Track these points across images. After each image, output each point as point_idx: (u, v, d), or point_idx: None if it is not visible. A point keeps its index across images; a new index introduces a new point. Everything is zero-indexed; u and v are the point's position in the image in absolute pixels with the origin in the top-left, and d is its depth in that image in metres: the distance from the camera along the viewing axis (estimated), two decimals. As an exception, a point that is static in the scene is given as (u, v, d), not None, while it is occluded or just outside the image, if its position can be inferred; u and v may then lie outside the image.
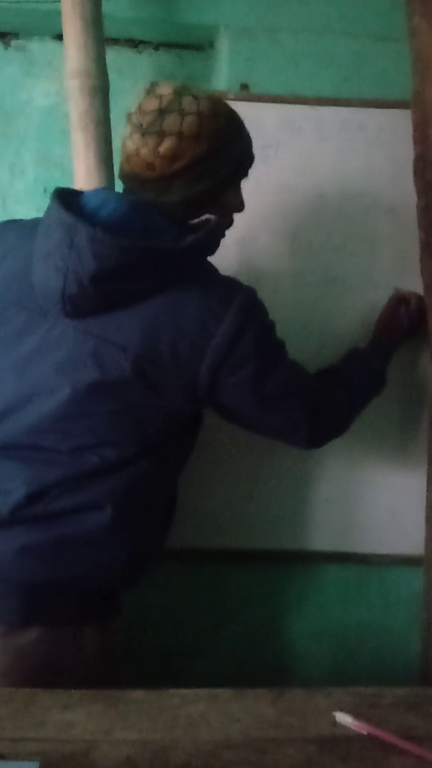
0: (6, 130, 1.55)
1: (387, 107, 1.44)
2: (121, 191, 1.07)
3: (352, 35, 1.48)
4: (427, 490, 1.43)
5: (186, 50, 1.59)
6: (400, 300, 1.37)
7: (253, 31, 1.47)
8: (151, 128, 0.98)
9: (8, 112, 1.56)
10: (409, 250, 1.38)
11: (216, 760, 0.72)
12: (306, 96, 1.44)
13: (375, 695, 0.88)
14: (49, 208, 1.00)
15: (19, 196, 1.54)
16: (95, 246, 0.92)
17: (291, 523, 1.45)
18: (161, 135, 0.97)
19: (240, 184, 1.11)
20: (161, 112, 0.98)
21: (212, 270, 1.09)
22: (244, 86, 1.47)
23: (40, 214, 1.04)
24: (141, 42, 1.58)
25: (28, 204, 1.54)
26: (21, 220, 1.14)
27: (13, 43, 1.58)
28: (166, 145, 0.97)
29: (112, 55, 1.44)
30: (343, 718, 0.80)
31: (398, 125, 1.42)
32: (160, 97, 1.00)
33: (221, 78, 1.50)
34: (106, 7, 1.37)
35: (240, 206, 1.12)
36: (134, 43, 1.58)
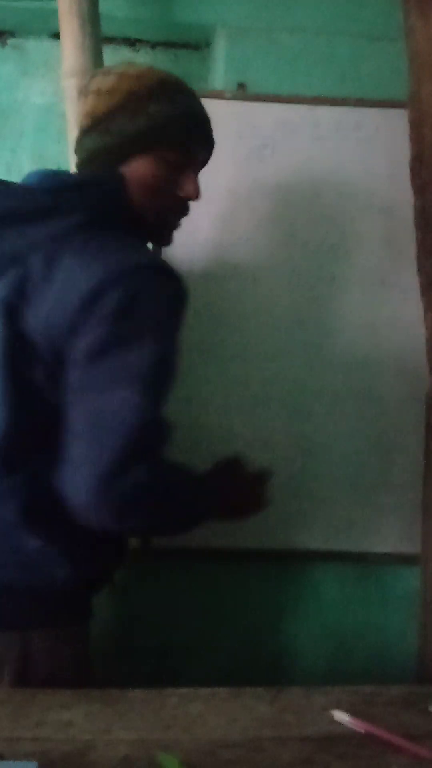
0: (2, 129, 1.55)
1: (383, 107, 1.44)
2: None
3: (348, 35, 1.48)
4: (424, 489, 1.44)
5: (183, 50, 1.59)
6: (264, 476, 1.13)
7: (250, 30, 1.47)
8: (81, 90, 1.00)
9: (4, 111, 1.56)
10: (405, 249, 1.39)
11: (214, 759, 0.72)
12: (302, 95, 1.45)
13: (372, 693, 0.88)
14: None
15: (16, 196, 1.54)
16: None
17: (288, 522, 1.45)
18: (86, 93, 0.98)
19: (173, 158, 0.98)
20: (94, 75, 1.00)
21: (126, 233, 0.94)
22: (241, 86, 1.48)
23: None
24: (138, 41, 1.58)
25: (25, 203, 1.54)
26: None
27: (10, 41, 1.58)
28: (87, 102, 0.98)
29: (109, 55, 1.44)
30: (341, 717, 0.80)
31: (394, 125, 1.42)
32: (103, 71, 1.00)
33: (218, 77, 1.51)
34: (103, 7, 1.37)
35: (150, 182, 0.97)
36: (131, 43, 1.58)
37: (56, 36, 1.45)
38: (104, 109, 0.96)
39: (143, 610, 1.47)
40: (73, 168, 1.06)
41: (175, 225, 1.05)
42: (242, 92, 1.47)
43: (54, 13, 1.35)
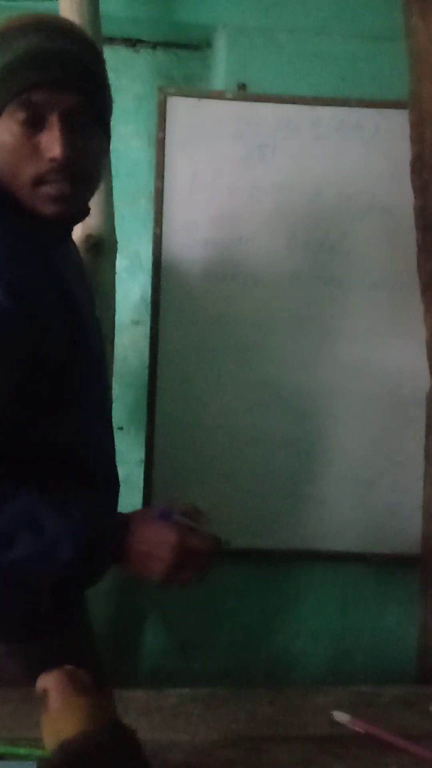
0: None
1: (384, 107, 1.44)
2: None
3: (349, 35, 1.48)
4: (424, 489, 1.44)
5: (183, 50, 1.59)
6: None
7: (251, 30, 1.47)
8: None
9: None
10: (405, 249, 1.39)
11: (214, 759, 0.72)
12: (303, 96, 1.45)
13: (372, 694, 0.88)
14: None
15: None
16: None
17: (288, 521, 1.45)
18: None
19: (15, 116, 0.80)
20: None
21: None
22: (242, 86, 1.48)
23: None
24: (138, 41, 1.57)
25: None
26: None
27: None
28: None
29: (110, 55, 1.44)
30: (341, 717, 0.80)
31: (395, 125, 1.42)
32: None
33: (219, 77, 1.51)
34: (103, 7, 1.37)
35: (10, 149, 0.81)
36: (132, 43, 1.57)
37: (57, 36, 1.44)
38: None
39: (140, 610, 1.47)
40: None
41: (58, 194, 0.83)
42: (243, 92, 1.47)
43: (55, 12, 1.35)
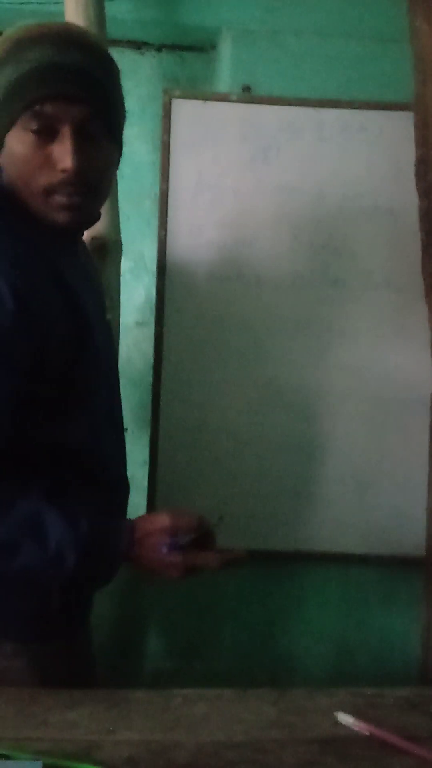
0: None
1: (388, 109, 1.45)
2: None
3: (353, 37, 1.48)
4: (428, 491, 1.44)
5: (188, 52, 1.60)
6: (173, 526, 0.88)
7: (255, 33, 1.48)
8: None
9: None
10: (409, 251, 1.39)
11: (218, 760, 0.72)
12: (307, 98, 1.45)
13: (376, 695, 0.88)
14: None
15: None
16: None
17: (291, 523, 1.46)
18: None
19: (28, 126, 0.82)
20: None
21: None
22: (246, 88, 1.48)
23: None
24: (143, 44, 1.58)
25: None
26: None
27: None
28: None
29: (115, 57, 1.44)
30: (345, 718, 0.80)
31: (399, 127, 1.42)
32: None
33: (223, 80, 1.51)
34: (109, 9, 1.38)
35: (24, 160, 0.83)
36: (137, 45, 1.58)
37: (62, 38, 1.45)
38: None
39: (146, 610, 1.47)
40: None
41: (69, 203, 0.84)
42: (247, 94, 1.47)
43: (60, 15, 1.36)
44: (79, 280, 0.93)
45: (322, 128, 1.45)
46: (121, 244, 1.37)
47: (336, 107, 1.44)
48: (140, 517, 0.91)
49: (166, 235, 1.42)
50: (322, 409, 1.46)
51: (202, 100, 1.42)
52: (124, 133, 0.93)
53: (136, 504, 1.30)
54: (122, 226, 1.37)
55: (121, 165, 1.23)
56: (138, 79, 1.56)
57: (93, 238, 1.29)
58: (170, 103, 1.41)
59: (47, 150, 0.82)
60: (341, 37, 1.48)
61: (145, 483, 1.42)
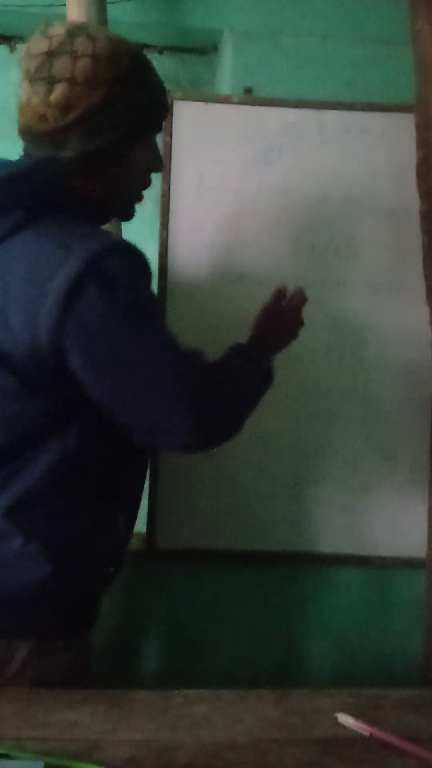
0: (10, 133, 1.54)
1: (390, 111, 1.45)
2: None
3: (355, 39, 1.49)
4: (430, 492, 1.44)
5: (190, 54, 1.60)
6: (279, 296, 1.19)
7: (257, 35, 1.48)
8: (38, 74, 0.87)
9: (12, 116, 1.56)
10: (411, 253, 1.39)
11: (219, 761, 0.72)
12: (309, 99, 1.45)
13: (377, 697, 0.88)
14: None
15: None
16: None
17: (293, 524, 1.46)
18: (51, 81, 0.87)
19: (153, 138, 0.99)
20: (50, 55, 0.87)
21: (83, 222, 0.91)
22: (248, 90, 1.48)
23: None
24: (145, 45, 1.59)
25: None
26: None
27: (19, 46, 1.59)
28: (56, 93, 0.86)
29: (117, 59, 1.45)
30: (346, 720, 0.80)
31: (401, 129, 1.42)
32: (51, 38, 0.88)
33: (225, 81, 1.51)
34: (111, 11, 1.38)
35: (154, 164, 1.00)
36: (138, 47, 1.58)
37: (64, 40, 1.45)
38: (88, 103, 0.87)
39: (147, 611, 1.47)
40: None
41: (140, 198, 1.02)
42: (249, 96, 1.48)
43: (62, 17, 1.36)
44: None
45: (323, 130, 1.45)
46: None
47: (337, 109, 1.45)
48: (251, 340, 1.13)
49: (167, 236, 1.43)
50: (322, 409, 1.46)
51: (204, 101, 1.43)
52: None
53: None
54: (123, 227, 1.37)
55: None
56: (140, 80, 1.56)
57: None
58: (172, 105, 1.41)
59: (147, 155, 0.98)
60: (343, 39, 1.49)
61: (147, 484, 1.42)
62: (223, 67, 1.53)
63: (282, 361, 1.45)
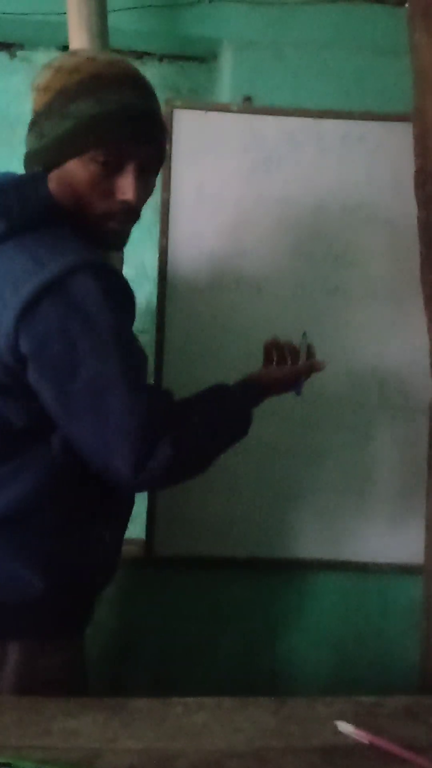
0: (10, 140, 1.57)
1: (388, 120, 1.46)
2: None
3: (353, 50, 1.50)
4: (427, 499, 1.44)
5: (189, 62, 1.61)
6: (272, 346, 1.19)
7: (256, 44, 1.49)
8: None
9: (12, 123, 1.57)
10: (408, 261, 1.40)
11: (219, 769, 0.72)
12: (308, 109, 1.46)
13: (376, 704, 0.88)
14: None
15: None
16: None
17: (290, 531, 1.46)
18: (33, 88, 0.94)
19: (96, 158, 0.90)
20: (44, 65, 0.94)
21: (65, 235, 0.90)
22: (247, 99, 1.49)
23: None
24: (145, 54, 1.60)
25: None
26: None
27: (19, 53, 1.60)
28: (32, 99, 0.93)
29: (117, 67, 1.46)
30: (345, 727, 0.81)
31: (399, 138, 1.44)
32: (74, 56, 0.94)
33: (224, 90, 1.52)
34: (111, 20, 1.39)
35: (85, 186, 0.90)
36: (139, 55, 1.59)
37: (65, 48, 1.47)
38: (38, 108, 0.92)
39: (144, 618, 1.47)
40: None
41: (121, 230, 0.96)
42: (248, 105, 1.48)
43: (63, 25, 1.37)
44: None
45: (322, 139, 1.46)
46: (123, 253, 1.38)
47: (336, 118, 1.46)
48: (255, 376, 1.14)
49: (167, 243, 1.43)
50: (320, 417, 1.46)
51: (203, 110, 1.44)
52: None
53: (136, 511, 1.31)
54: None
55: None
56: (139, 89, 1.57)
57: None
58: (171, 114, 1.42)
59: (110, 180, 0.91)
60: (341, 49, 1.50)
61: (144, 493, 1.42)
62: (223, 75, 1.54)
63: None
